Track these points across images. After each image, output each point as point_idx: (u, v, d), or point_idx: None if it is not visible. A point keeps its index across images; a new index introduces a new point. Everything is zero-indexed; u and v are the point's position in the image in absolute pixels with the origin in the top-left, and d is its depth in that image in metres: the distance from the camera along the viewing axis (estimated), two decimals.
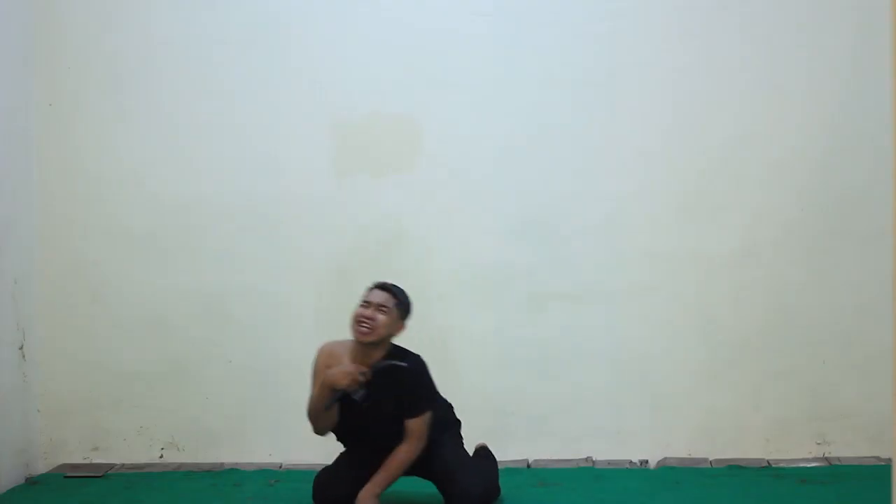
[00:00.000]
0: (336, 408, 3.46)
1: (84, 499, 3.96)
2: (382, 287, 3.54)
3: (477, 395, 4.35)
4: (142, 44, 4.45)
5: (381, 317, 3.45)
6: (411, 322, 4.26)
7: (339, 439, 3.67)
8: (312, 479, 4.13)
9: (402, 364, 3.48)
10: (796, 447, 4.26)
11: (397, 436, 3.49)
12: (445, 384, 4.35)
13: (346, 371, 3.41)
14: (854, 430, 4.24)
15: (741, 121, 4.30)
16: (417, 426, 3.50)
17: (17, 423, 4.25)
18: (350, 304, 4.40)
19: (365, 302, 3.50)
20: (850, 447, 4.23)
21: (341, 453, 3.70)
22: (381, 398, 3.46)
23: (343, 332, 4.39)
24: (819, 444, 4.27)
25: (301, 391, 4.41)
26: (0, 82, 4.20)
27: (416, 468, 3.58)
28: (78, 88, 4.46)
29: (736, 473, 4.08)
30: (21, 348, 4.32)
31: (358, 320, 3.45)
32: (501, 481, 4.03)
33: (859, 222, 4.23)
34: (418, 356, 3.56)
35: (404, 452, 3.49)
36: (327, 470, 3.68)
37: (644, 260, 4.32)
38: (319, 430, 3.57)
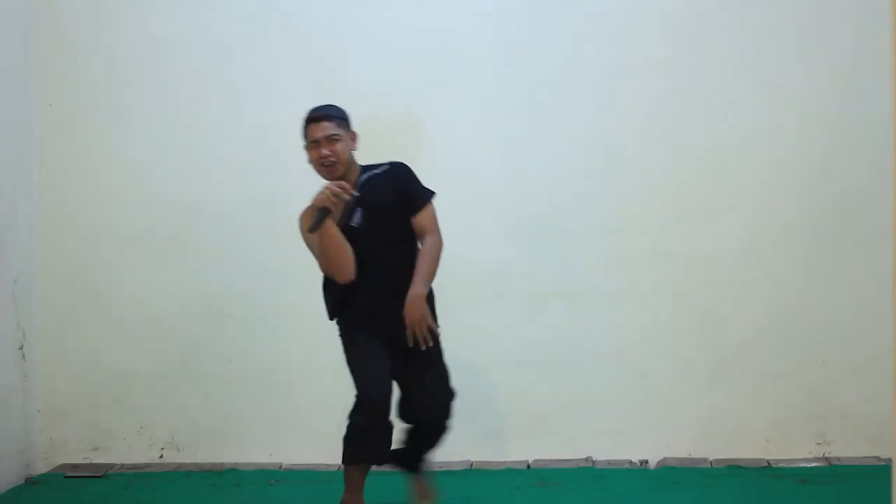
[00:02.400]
0: (342, 240, 3.27)
1: (84, 499, 3.96)
2: (316, 118, 3.34)
3: (477, 395, 4.35)
4: (142, 44, 4.45)
5: (336, 146, 3.31)
6: None
7: (349, 300, 3.41)
8: (312, 479, 4.15)
9: (382, 165, 3.41)
10: (796, 447, 4.26)
11: (407, 263, 3.32)
12: None
13: (323, 190, 3.23)
14: (854, 430, 4.24)
15: (741, 121, 4.30)
16: (426, 219, 3.35)
17: (17, 423, 4.25)
18: None
19: (312, 141, 3.33)
20: (850, 447, 4.23)
21: (361, 358, 3.40)
22: (377, 213, 3.32)
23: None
24: (819, 444, 4.27)
25: (301, 391, 4.43)
26: (0, 82, 4.20)
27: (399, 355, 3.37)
28: (78, 88, 4.46)
29: (736, 473, 4.08)
30: (21, 348, 4.32)
31: (320, 162, 3.31)
32: (501, 481, 4.05)
33: (859, 222, 4.23)
34: (401, 164, 3.44)
35: (429, 246, 3.32)
36: (370, 374, 3.35)
37: (644, 260, 4.32)
38: (335, 269, 3.35)
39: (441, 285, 4.35)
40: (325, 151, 3.32)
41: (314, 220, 3.25)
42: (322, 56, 4.40)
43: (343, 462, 3.40)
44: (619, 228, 4.33)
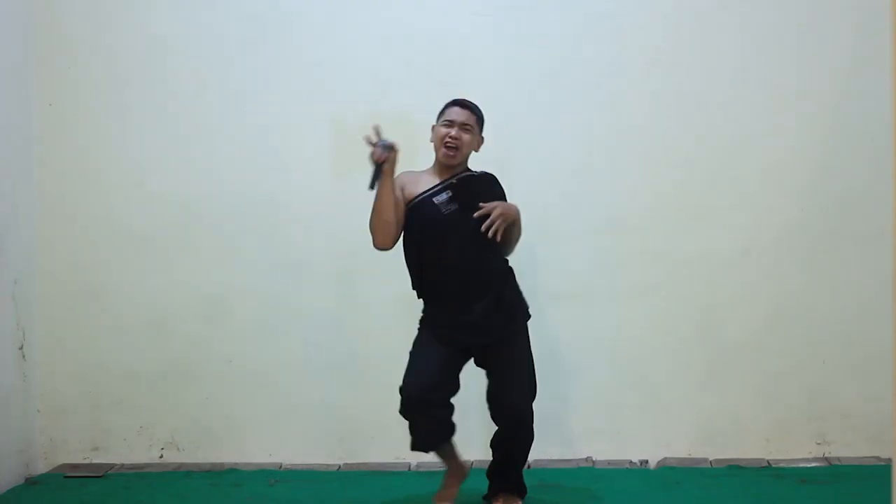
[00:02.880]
0: (391, 203, 3.39)
1: (84, 499, 3.96)
2: (462, 105, 3.52)
3: (477, 396, 4.35)
4: (142, 43, 4.45)
5: (465, 136, 3.47)
6: (412, 320, 4.28)
7: (418, 271, 3.53)
8: (312, 479, 4.15)
9: (472, 173, 3.53)
10: (796, 447, 4.26)
11: (477, 261, 3.38)
12: None
13: (378, 149, 3.38)
14: (854, 430, 4.24)
15: (741, 121, 4.31)
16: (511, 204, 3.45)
17: (17, 423, 4.25)
18: (350, 304, 4.43)
19: (447, 121, 3.48)
20: (850, 447, 4.23)
21: (416, 352, 3.53)
22: (468, 204, 3.40)
23: (344, 333, 4.41)
24: (819, 444, 4.27)
25: (301, 391, 4.43)
26: (0, 82, 4.20)
27: (478, 357, 3.51)
28: (78, 88, 4.46)
29: (736, 473, 4.08)
30: (21, 348, 4.32)
31: (444, 142, 3.45)
32: None
33: (859, 222, 4.23)
34: (493, 175, 3.57)
35: (513, 206, 3.44)
36: (417, 366, 3.48)
37: (644, 260, 4.33)
38: (375, 229, 3.45)
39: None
40: (454, 133, 3.46)
41: (371, 176, 3.37)
42: (322, 56, 4.40)
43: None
44: (619, 228, 4.33)
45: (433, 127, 3.59)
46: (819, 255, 4.28)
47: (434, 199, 3.45)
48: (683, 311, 4.33)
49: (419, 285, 3.57)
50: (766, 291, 4.30)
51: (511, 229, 3.48)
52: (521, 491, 3.65)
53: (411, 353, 3.54)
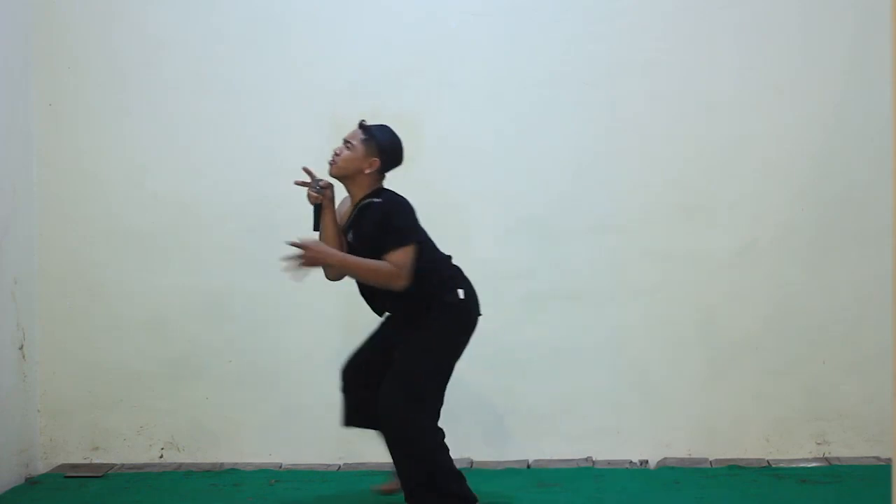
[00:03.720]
0: (333, 239, 3.52)
1: (84, 499, 3.96)
2: (360, 124, 3.58)
3: (477, 395, 4.36)
4: (142, 43, 4.45)
5: (345, 151, 3.50)
6: None
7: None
8: (312, 479, 4.15)
9: (386, 195, 3.50)
10: (796, 447, 4.26)
11: (386, 291, 3.44)
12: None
13: (310, 191, 3.52)
14: (854, 430, 4.24)
15: (741, 121, 4.30)
16: (393, 259, 3.35)
17: (17, 423, 4.25)
18: (350, 304, 4.42)
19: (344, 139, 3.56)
20: (850, 447, 4.23)
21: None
22: (362, 237, 3.46)
23: (344, 333, 4.41)
24: (819, 444, 4.27)
25: (301, 391, 4.43)
26: (0, 82, 4.20)
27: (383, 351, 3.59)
28: (78, 88, 4.46)
29: (736, 473, 4.08)
30: (21, 348, 4.31)
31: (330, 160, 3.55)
32: (501, 481, 4.04)
33: (859, 222, 4.23)
34: (397, 196, 3.51)
35: (372, 262, 3.38)
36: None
37: (644, 260, 4.32)
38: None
39: None
40: (336, 149, 3.54)
41: (314, 218, 3.52)
42: (321, 56, 4.40)
43: None
44: (619, 228, 4.33)
45: None
46: (819, 255, 4.27)
47: (349, 238, 3.54)
48: (683, 310, 4.32)
49: None
50: (765, 291, 4.30)
51: (344, 271, 3.49)
52: None
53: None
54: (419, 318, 3.50)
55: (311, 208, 3.56)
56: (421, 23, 4.39)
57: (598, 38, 4.32)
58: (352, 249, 3.48)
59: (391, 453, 3.46)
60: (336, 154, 3.53)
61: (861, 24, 4.20)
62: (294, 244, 3.37)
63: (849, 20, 4.23)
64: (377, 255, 3.39)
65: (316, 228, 3.53)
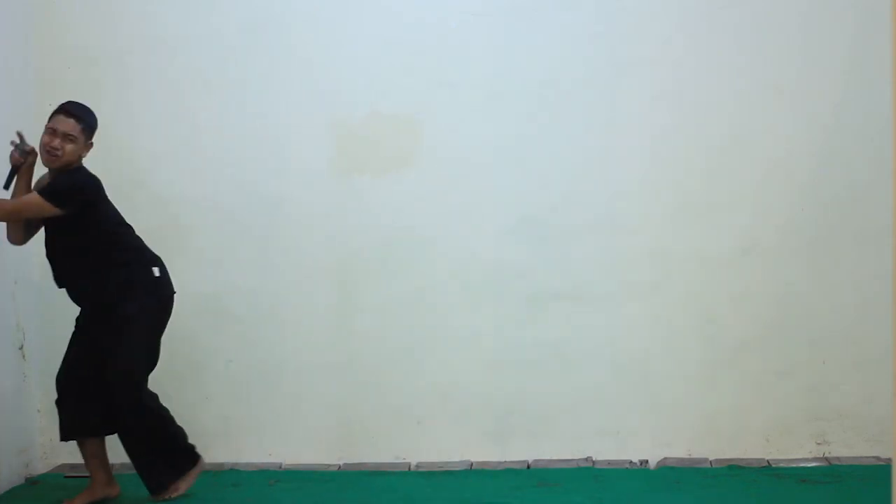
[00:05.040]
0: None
1: None
2: (68, 112, 3.64)
3: (477, 395, 4.36)
4: (142, 44, 4.45)
5: (68, 146, 3.62)
6: (412, 320, 4.26)
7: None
8: (312, 479, 4.15)
9: (70, 172, 3.66)
10: (796, 447, 4.26)
11: (69, 256, 3.70)
12: (445, 384, 4.37)
13: (14, 150, 3.64)
14: (854, 430, 4.24)
15: (741, 120, 4.30)
16: (26, 198, 3.63)
17: (17, 423, 4.25)
18: (350, 304, 4.43)
19: (51, 129, 3.62)
20: (850, 447, 4.23)
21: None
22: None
23: (343, 333, 4.41)
24: (819, 444, 4.27)
25: (301, 391, 4.43)
26: (0, 82, 4.20)
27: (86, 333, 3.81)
28: (78, 88, 4.45)
29: (736, 473, 4.08)
30: (21, 348, 4.31)
31: (46, 149, 3.61)
32: (502, 481, 4.04)
33: (859, 221, 4.23)
34: (84, 172, 3.71)
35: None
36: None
37: (644, 260, 4.32)
38: (8, 229, 3.77)
39: (441, 285, 4.38)
40: (55, 143, 3.61)
41: (7, 177, 3.62)
42: (322, 56, 4.40)
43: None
44: (619, 228, 4.33)
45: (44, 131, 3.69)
46: (819, 255, 4.27)
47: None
48: (683, 310, 4.32)
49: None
50: (766, 291, 4.30)
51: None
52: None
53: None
54: (117, 299, 3.70)
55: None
56: (421, 23, 4.39)
57: (598, 38, 4.32)
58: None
59: (130, 445, 3.79)
60: (56, 149, 3.59)
61: (861, 24, 4.20)
62: None
63: (849, 20, 4.23)
64: (61, 218, 3.61)
65: (6, 188, 3.63)
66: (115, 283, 3.73)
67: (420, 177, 4.38)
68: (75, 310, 4.44)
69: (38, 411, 4.43)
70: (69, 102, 3.71)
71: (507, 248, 4.36)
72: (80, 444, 3.84)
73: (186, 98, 4.44)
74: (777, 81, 4.29)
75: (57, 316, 4.45)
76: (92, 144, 3.74)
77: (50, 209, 3.58)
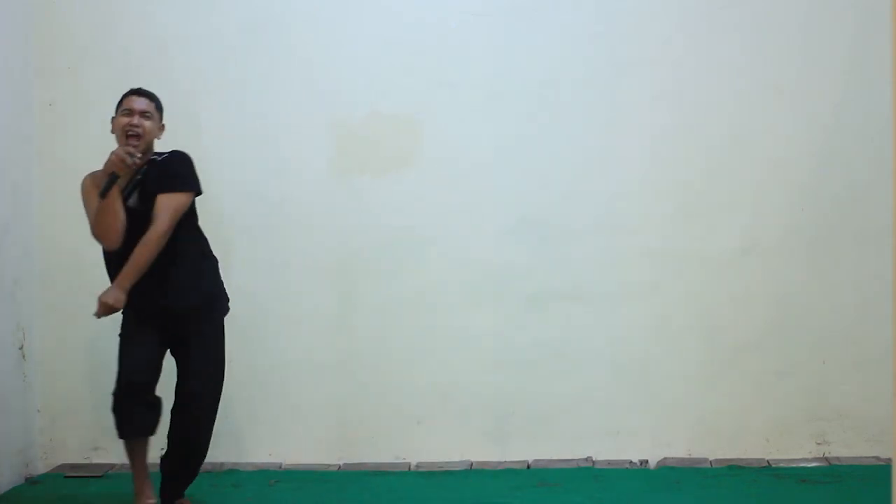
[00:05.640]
0: (120, 209, 3.41)
1: (84, 499, 3.96)
2: (139, 93, 3.57)
3: (477, 395, 4.36)
4: (142, 44, 4.45)
5: (147, 123, 3.52)
6: (412, 320, 4.27)
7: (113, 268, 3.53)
8: (312, 479, 4.15)
9: (166, 153, 3.57)
10: (796, 447, 4.26)
11: (170, 254, 3.46)
12: (445, 384, 4.37)
13: (111, 156, 3.43)
14: (854, 430, 4.24)
15: (741, 120, 4.31)
16: (168, 201, 3.45)
17: (17, 423, 4.25)
18: (350, 304, 4.43)
19: (127, 109, 3.53)
20: (850, 447, 4.23)
21: (125, 341, 3.60)
22: (148, 198, 3.46)
23: (343, 333, 4.41)
24: (819, 444, 4.27)
25: (301, 391, 4.43)
26: (0, 82, 4.20)
27: (172, 348, 3.60)
28: (78, 88, 4.46)
29: (736, 473, 4.08)
30: (21, 348, 4.32)
31: (126, 130, 3.49)
32: (501, 481, 4.05)
33: (859, 221, 4.23)
34: (177, 152, 3.60)
35: (148, 239, 3.40)
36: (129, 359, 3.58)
37: (644, 260, 4.32)
38: (105, 233, 3.45)
39: (441, 285, 4.38)
40: (135, 121, 3.49)
41: (104, 185, 3.41)
42: (321, 56, 4.40)
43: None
44: (619, 228, 4.33)
45: (112, 119, 3.60)
46: (819, 255, 4.28)
47: (129, 204, 3.47)
48: (683, 311, 4.32)
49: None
50: (766, 291, 4.30)
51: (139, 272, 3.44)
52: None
53: (122, 343, 3.62)
54: (215, 291, 3.65)
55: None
56: (421, 23, 4.39)
57: (598, 38, 4.33)
58: (132, 215, 3.44)
59: (198, 452, 3.63)
60: (135, 126, 3.49)
61: (861, 24, 4.20)
62: (96, 312, 3.45)
63: (849, 20, 4.24)
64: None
65: (104, 196, 3.41)
66: (211, 274, 3.65)
67: (420, 177, 4.38)
68: (75, 310, 4.45)
69: (38, 411, 4.44)
70: (135, 88, 3.61)
71: (507, 248, 4.36)
72: (137, 444, 3.61)
73: (185, 98, 4.43)
74: (777, 81, 4.29)
75: (57, 316, 4.46)
76: (164, 127, 3.64)
77: (188, 200, 3.51)
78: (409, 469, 4.31)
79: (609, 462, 4.27)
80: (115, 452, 4.45)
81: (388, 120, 4.37)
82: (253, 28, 4.42)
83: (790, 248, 4.29)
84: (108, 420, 4.45)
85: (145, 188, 3.50)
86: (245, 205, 4.42)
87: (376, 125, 4.41)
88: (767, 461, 4.22)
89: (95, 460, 4.45)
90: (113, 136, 3.58)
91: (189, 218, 3.56)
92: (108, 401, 4.45)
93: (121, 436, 3.58)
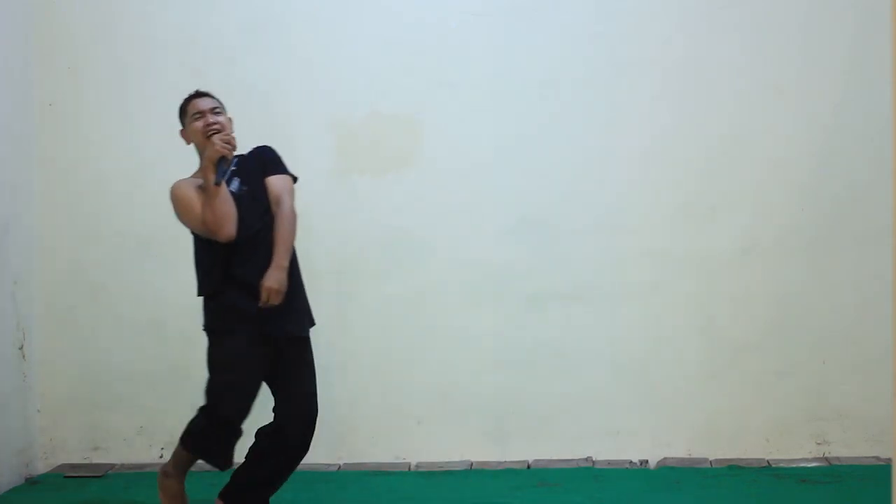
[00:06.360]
0: (230, 196, 3.30)
1: (84, 499, 3.96)
2: (199, 94, 3.48)
3: (477, 395, 4.36)
4: (142, 43, 4.45)
5: (221, 118, 3.43)
6: (412, 320, 4.27)
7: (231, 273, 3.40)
8: (312, 479, 4.14)
9: (257, 147, 3.52)
10: (796, 447, 4.26)
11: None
12: (445, 384, 4.37)
13: (214, 144, 3.29)
14: (854, 430, 4.24)
15: (741, 120, 4.31)
16: (282, 182, 3.41)
17: (17, 423, 4.25)
18: (348, 303, 4.42)
19: (198, 113, 3.41)
20: (850, 447, 4.23)
21: (232, 367, 3.43)
22: (250, 183, 3.40)
23: (342, 333, 4.41)
24: (819, 444, 4.27)
25: None
26: (0, 82, 4.20)
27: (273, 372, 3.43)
28: (78, 88, 4.46)
29: (736, 473, 4.08)
30: (21, 348, 4.31)
31: (206, 132, 3.36)
32: (501, 481, 4.05)
33: (859, 222, 4.23)
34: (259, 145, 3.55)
35: (285, 216, 3.34)
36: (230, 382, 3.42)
37: (644, 260, 4.32)
38: (225, 222, 3.29)
39: (441, 285, 4.38)
40: (211, 119, 3.39)
41: (219, 171, 3.30)
42: (322, 56, 4.40)
43: (188, 450, 3.45)
44: (619, 228, 4.33)
45: (181, 132, 3.51)
46: (819, 255, 4.27)
47: (232, 189, 3.35)
48: (683, 310, 4.32)
49: (220, 279, 3.44)
50: (766, 291, 4.30)
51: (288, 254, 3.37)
52: None
53: (221, 358, 3.45)
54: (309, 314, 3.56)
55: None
56: (421, 23, 4.39)
57: (598, 38, 4.33)
58: (237, 199, 3.34)
59: (291, 467, 3.52)
60: (212, 124, 3.37)
61: (861, 24, 4.20)
62: (263, 299, 3.29)
63: (849, 20, 4.24)
64: (263, 198, 3.38)
65: (220, 181, 3.30)
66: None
67: (420, 177, 4.38)
68: (75, 310, 4.46)
69: (38, 411, 4.44)
70: (194, 92, 3.51)
71: (507, 248, 4.36)
72: (190, 460, 3.49)
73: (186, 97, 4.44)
74: (777, 81, 4.29)
75: (57, 316, 4.46)
76: (231, 119, 3.52)
77: (293, 184, 3.46)
78: (409, 469, 4.31)
79: (609, 462, 4.27)
80: (115, 452, 4.46)
81: (388, 120, 4.36)
82: (253, 28, 4.42)
83: (790, 248, 4.29)
84: (108, 420, 4.48)
85: (242, 175, 3.41)
86: None
87: (376, 125, 4.41)
88: (767, 461, 4.22)
89: (95, 460, 4.45)
90: (190, 145, 3.49)
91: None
92: (108, 401, 4.47)
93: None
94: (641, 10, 4.33)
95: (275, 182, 3.42)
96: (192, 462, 3.49)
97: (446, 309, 4.37)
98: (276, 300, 3.29)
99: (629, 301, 4.34)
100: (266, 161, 3.49)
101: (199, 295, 3.51)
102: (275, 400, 3.49)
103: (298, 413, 3.48)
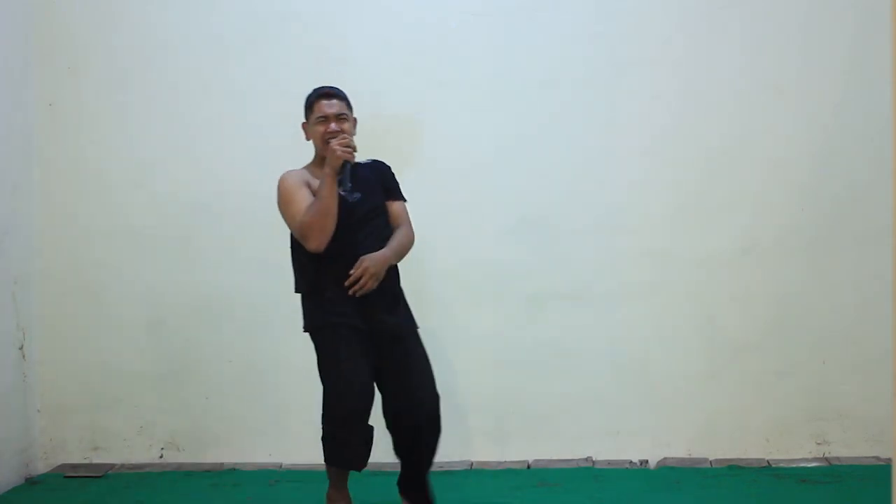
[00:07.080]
0: (336, 210, 3.24)
1: (84, 499, 3.97)
2: (328, 95, 3.41)
3: (477, 395, 4.36)
4: (142, 43, 4.45)
5: (345, 125, 3.39)
6: None
7: (320, 277, 3.36)
8: (312, 479, 4.14)
9: (374, 160, 3.55)
10: (796, 447, 4.26)
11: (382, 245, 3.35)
12: (445, 384, 4.36)
13: (335, 148, 3.22)
14: (854, 430, 4.24)
15: (741, 120, 4.31)
16: (404, 210, 3.52)
17: (17, 423, 4.25)
18: None
19: (321, 117, 3.37)
20: (850, 447, 4.23)
21: (339, 362, 3.34)
22: (368, 194, 3.38)
23: None
24: (819, 444, 4.27)
25: (301, 391, 4.42)
26: (0, 82, 4.20)
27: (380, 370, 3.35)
28: (78, 88, 4.46)
29: (736, 473, 4.08)
30: (21, 348, 4.32)
31: (328, 138, 3.32)
32: (501, 481, 4.05)
33: (859, 222, 4.23)
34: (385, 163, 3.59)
35: (403, 233, 3.44)
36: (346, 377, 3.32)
37: (644, 260, 4.32)
38: (325, 228, 3.23)
39: (441, 285, 4.38)
40: (332, 128, 3.36)
41: (344, 174, 3.24)
42: (321, 56, 4.40)
43: (327, 462, 3.46)
44: (619, 228, 4.33)
45: (304, 125, 3.49)
46: (819, 255, 4.28)
47: (349, 199, 3.30)
48: (683, 310, 4.32)
49: (318, 282, 3.38)
50: (766, 291, 4.30)
51: (393, 259, 3.40)
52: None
53: (331, 359, 3.37)
54: (405, 304, 3.52)
55: None
56: (421, 23, 4.39)
57: (598, 38, 4.33)
58: (351, 210, 3.31)
59: (432, 452, 3.46)
60: (335, 132, 3.33)
61: (861, 24, 4.20)
62: (357, 273, 3.24)
63: (849, 20, 4.24)
64: (383, 209, 3.43)
65: (345, 184, 3.25)
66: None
67: (420, 177, 4.37)
68: (75, 310, 4.46)
69: (38, 411, 4.44)
70: (319, 88, 3.44)
71: (507, 248, 4.36)
72: (337, 473, 3.49)
73: (186, 97, 4.45)
74: (777, 81, 4.29)
75: (57, 316, 4.46)
76: (356, 121, 3.50)
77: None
78: None
79: (609, 462, 4.27)
80: (115, 452, 4.46)
81: (388, 120, 4.36)
82: (253, 28, 4.42)
83: (790, 248, 4.29)
84: (108, 420, 4.48)
85: (365, 185, 3.38)
86: (245, 204, 4.42)
87: (376, 125, 4.40)
88: (767, 461, 4.22)
89: (95, 460, 4.45)
90: (309, 142, 3.49)
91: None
92: (108, 401, 4.47)
93: (348, 468, 3.44)
94: (641, 10, 4.33)
95: (398, 208, 3.52)
96: (340, 474, 3.48)
97: (446, 309, 4.37)
98: (367, 279, 3.24)
99: (629, 301, 4.34)
100: (391, 184, 3.54)
101: (297, 292, 3.49)
102: (387, 399, 3.43)
103: (415, 403, 3.39)
